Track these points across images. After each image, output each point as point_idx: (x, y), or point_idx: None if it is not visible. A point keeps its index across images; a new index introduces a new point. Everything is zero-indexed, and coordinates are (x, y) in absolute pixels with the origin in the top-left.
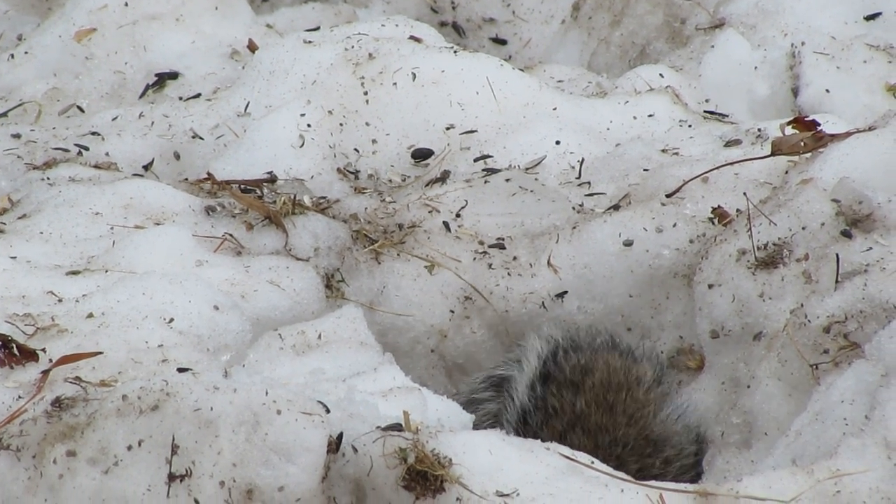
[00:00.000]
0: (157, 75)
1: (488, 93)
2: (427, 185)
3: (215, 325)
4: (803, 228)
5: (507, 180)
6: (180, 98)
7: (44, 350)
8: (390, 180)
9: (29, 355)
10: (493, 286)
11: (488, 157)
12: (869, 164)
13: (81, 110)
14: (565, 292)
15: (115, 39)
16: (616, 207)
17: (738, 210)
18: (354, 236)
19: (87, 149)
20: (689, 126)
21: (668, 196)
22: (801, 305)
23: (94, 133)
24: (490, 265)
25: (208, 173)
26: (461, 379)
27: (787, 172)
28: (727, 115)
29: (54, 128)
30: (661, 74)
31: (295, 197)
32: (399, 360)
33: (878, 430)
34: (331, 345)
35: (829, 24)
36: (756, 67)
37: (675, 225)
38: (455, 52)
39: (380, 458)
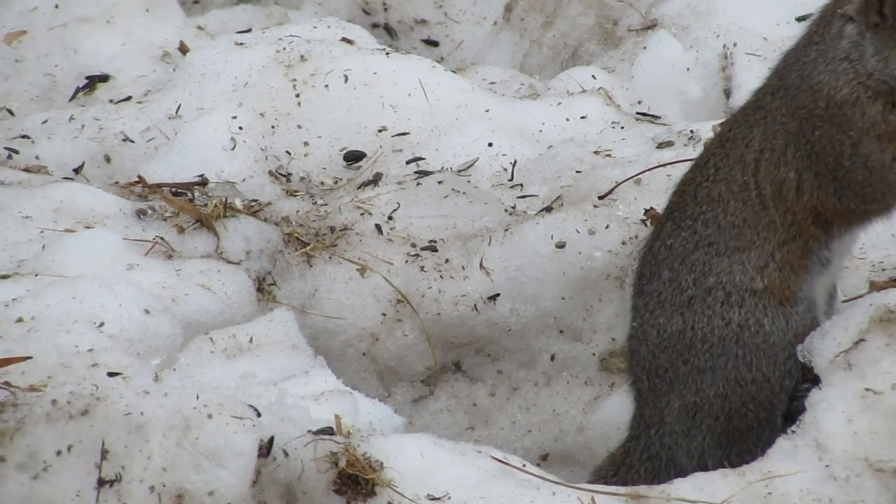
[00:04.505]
0: (87, 78)
1: (420, 95)
2: (359, 187)
3: (146, 328)
4: None
5: (440, 182)
6: (111, 101)
7: None
8: (322, 183)
9: None
10: (426, 289)
11: (420, 159)
12: None
13: (11, 113)
14: (497, 295)
15: (46, 42)
16: (548, 209)
17: None
18: (286, 239)
19: (17, 152)
20: (622, 127)
21: (600, 198)
22: None
23: (23, 136)
24: (422, 268)
25: (139, 176)
26: (393, 382)
27: None
28: (660, 117)
29: None
30: (593, 76)
31: (226, 200)
32: (331, 364)
33: (809, 432)
34: (262, 348)
35: (762, 26)
36: (688, 69)
37: (607, 227)
38: (387, 53)
39: (311, 463)
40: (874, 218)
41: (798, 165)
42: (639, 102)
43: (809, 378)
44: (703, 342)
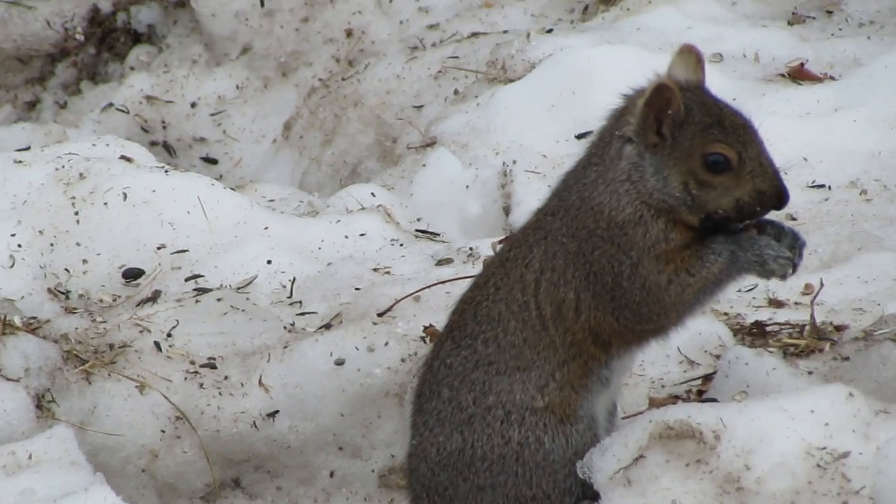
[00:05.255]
0: None
1: (199, 212)
2: (138, 304)
3: None
4: None
5: (219, 300)
6: None
7: None
8: (101, 300)
9: None
10: (205, 406)
11: (200, 276)
12: None
13: None
14: (277, 412)
15: None
16: (328, 326)
17: None
18: (65, 356)
19: None
20: (401, 245)
21: (379, 315)
22: None
23: None
24: (201, 385)
25: None
26: (172, 499)
27: None
28: (439, 234)
29: None
30: (372, 193)
31: (5, 317)
32: (110, 480)
33: None
34: (41, 465)
35: (541, 143)
36: (468, 186)
37: (386, 344)
38: (166, 171)
39: None
40: (651, 338)
41: (577, 286)
42: (418, 220)
43: (589, 495)
44: (483, 460)
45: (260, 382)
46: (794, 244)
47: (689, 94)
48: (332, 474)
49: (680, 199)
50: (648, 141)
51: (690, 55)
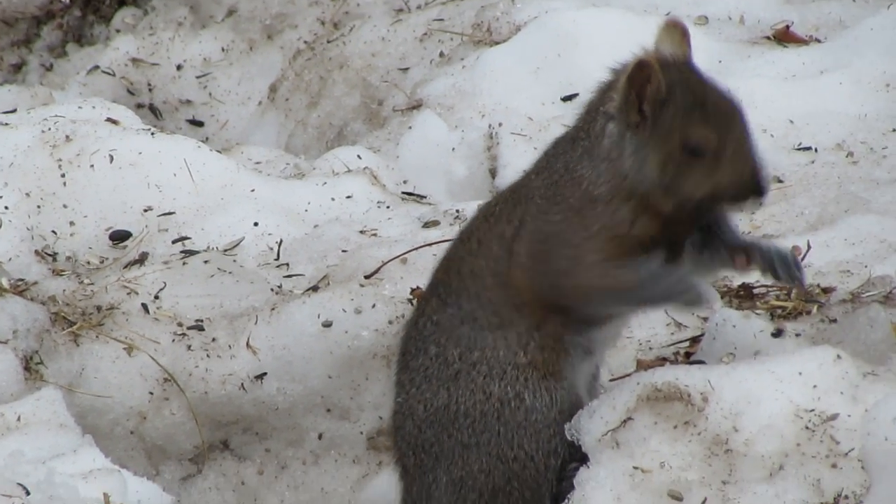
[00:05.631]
0: None
1: (186, 174)
2: (125, 266)
3: None
4: None
5: (206, 262)
6: None
7: None
8: (88, 262)
9: None
10: (193, 368)
11: (186, 238)
12: None
13: None
14: (264, 373)
15: None
16: (315, 289)
17: None
18: (53, 318)
19: None
20: (388, 207)
21: (366, 277)
22: None
23: None
24: (189, 347)
25: None
26: (161, 460)
27: None
28: (425, 196)
29: None
30: (359, 156)
31: None
32: (99, 442)
33: None
34: (30, 427)
35: (527, 105)
36: (454, 148)
37: (374, 306)
38: (152, 133)
39: None
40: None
41: (527, 241)
42: (404, 182)
43: (577, 457)
44: (466, 416)
45: (247, 344)
46: (791, 272)
47: (674, 71)
48: (320, 436)
49: (655, 181)
50: (630, 119)
51: (675, 29)
